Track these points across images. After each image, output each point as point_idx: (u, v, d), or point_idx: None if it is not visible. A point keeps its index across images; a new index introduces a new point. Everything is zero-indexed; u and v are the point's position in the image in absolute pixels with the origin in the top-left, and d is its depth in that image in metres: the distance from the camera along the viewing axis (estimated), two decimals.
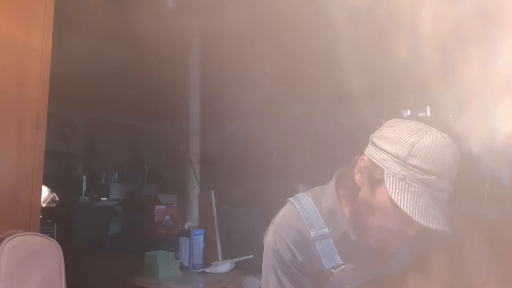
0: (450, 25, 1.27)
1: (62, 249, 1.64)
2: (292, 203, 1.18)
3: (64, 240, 1.93)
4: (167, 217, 3.25)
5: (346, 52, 1.99)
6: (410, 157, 0.97)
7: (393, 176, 0.99)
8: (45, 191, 3.68)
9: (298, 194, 1.20)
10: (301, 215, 1.14)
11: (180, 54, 3.05)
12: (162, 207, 3.29)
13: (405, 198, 0.96)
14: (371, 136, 1.10)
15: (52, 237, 1.74)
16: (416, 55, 1.38)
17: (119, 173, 5.35)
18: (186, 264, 2.57)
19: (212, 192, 2.94)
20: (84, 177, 5.20)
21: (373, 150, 1.06)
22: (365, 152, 1.09)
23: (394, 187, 0.98)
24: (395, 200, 0.96)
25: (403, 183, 0.97)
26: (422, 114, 1.85)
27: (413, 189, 0.97)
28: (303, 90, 3.07)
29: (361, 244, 1.12)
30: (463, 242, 1.17)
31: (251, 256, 2.52)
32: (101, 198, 4.70)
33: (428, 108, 1.77)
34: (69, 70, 3.06)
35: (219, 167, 3.67)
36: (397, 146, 1.00)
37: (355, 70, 1.96)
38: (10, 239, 1.51)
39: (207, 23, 3.00)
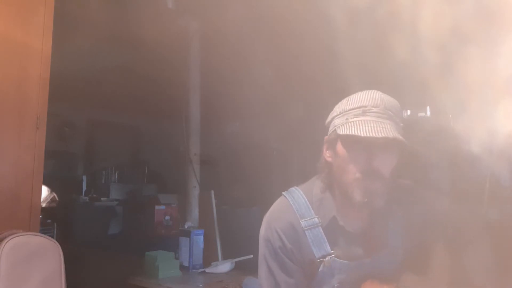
0: (450, 25, 1.27)
1: (62, 249, 1.64)
2: (285, 196, 1.24)
3: (64, 240, 1.92)
4: (167, 217, 3.25)
5: (346, 52, 1.99)
6: (347, 106, 1.14)
7: (341, 125, 1.11)
8: (45, 191, 3.67)
9: (292, 188, 1.26)
10: (292, 207, 1.20)
11: (180, 54, 3.05)
12: (162, 207, 3.28)
13: (352, 128, 1.07)
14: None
15: (52, 237, 1.74)
16: (416, 55, 1.38)
17: (119, 173, 5.34)
18: (186, 264, 2.57)
19: (212, 192, 2.94)
20: (84, 177, 5.20)
21: (328, 129, 1.20)
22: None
23: (343, 129, 1.09)
24: (345, 132, 1.07)
25: (348, 124, 1.09)
26: (422, 114, 1.85)
27: (357, 121, 1.08)
28: (303, 90, 3.07)
29: (349, 230, 1.16)
30: (463, 242, 1.17)
31: (251, 256, 2.51)
32: (101, 198, 4.70)
33: (428, 108, 1.77)
34: (69, 70, 3.05)
35: (219, 167, 3.66)
36: (337, 108, 1.18)
37: (355, 70, 1.96)
38: (10, 239, 1.51)
39: (207, 23, 3.00)
